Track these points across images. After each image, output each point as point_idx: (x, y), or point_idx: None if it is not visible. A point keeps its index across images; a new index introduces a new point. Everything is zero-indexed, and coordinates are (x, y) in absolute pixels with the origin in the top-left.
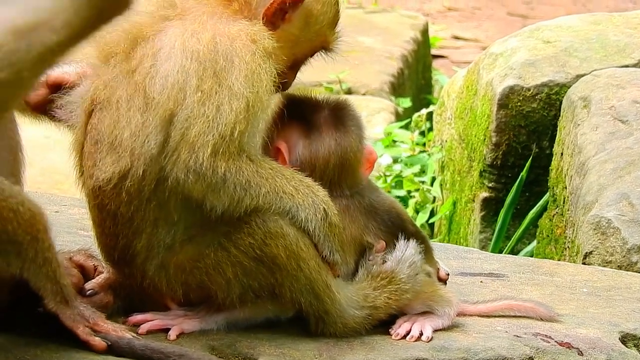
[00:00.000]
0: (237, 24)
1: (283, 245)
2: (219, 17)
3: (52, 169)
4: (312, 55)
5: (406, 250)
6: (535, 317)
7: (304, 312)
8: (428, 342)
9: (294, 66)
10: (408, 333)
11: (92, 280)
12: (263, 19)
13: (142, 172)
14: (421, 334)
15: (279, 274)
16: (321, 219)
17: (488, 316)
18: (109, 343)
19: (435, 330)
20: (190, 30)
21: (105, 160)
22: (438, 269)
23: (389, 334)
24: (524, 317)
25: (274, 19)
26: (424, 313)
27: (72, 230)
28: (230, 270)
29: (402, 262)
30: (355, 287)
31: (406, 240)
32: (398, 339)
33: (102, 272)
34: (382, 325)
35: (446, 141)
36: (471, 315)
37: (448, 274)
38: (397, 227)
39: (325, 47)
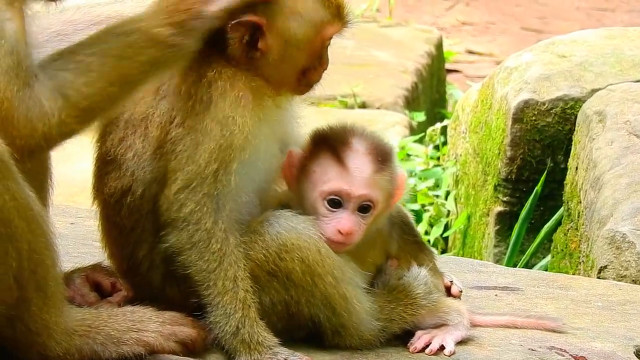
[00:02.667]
0: (219, 67)
1: (299, 258)
2: (207, 57)
3: (67, 181)
4: (323, 51)
5: (421, 271)
6: (542, 330)
7: (321, 326)
8: (450, 356)
9: (309, 69)
10: (426, 346)
11: (109, 298)
12: (237, 60)
13: (140, 192)
14: (442, 348)
15: (294, 290)
16: (231, 333)
17: (499, 327)
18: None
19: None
20: (184, 68)
21: (110, 175)
22: (443, 279)
23: (404, 346)
24: (540, 330)
25: (247, 56)
26: (438, 326)
27: (88, 242)
28: None
29: (418, 279)
30: (371, 299)
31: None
32: (416, 352)
33: (120, 290)
34: (397, 339)
35: (460, 155)
36: (477, 326)
37: (461, 291)
38: (409, 229)
39: (332, 36)
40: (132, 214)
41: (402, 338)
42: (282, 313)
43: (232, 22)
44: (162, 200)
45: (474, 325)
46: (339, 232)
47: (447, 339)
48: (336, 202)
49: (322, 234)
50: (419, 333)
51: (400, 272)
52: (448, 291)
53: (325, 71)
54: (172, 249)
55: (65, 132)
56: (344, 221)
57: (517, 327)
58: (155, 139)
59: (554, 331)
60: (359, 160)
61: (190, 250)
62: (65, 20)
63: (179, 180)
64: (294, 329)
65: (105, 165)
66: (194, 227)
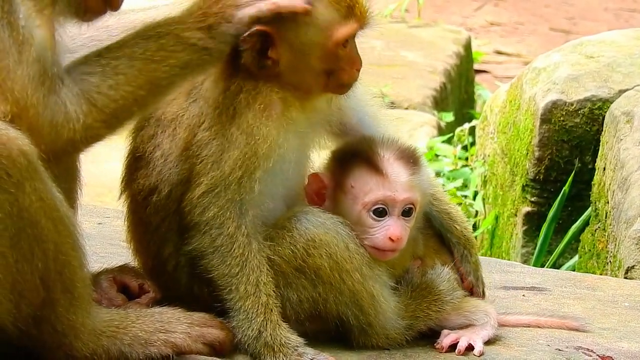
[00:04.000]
0: (243, 79)
1: (327, 254)
2: (234, 69)
3: (95, 181)
4: (343, 52)
5: (444, 269)
6: (565, 329)
7: (346, 324)
8: (479, 356)
9: (333, 72)
10: (454, 345)
11: (137, 300)
12: (249, 69)
13: (167, 192)
14: (470, 348)
15: (322, 287)
16: (254, 337)
17: (523, 327)
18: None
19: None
20: (215, 76)
21: (139, 171)
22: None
23: (431, 346)
24: (563, 329)
25: (259, 65)
26: (465, 327)
27: (115, 242)
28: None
29: (441, 276)
30: (397, 297)
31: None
32: (443, 352)
33: (148, 291)
34: (423, 338)
35: (489, 155)
36: (502, 326)
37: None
38: (428, 223)
39: (348, 37)
40: (158, 212)
41: (429, 338)
42: (310, 311)
43: (243, 36)
44: (186, 202)
45: (499, 324)
46: (390, 239)
47: (475, 338)
48: (381, 211)
49: (371, 246)
50: (445, 332)
51: (423, 271)
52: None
53: (359, 70)
54: (195, 252)
55: (91, 137)
56: (393, 228)
57: (540, 327)
58: (183, 140)
59: (577, 330)
60: (394, 166)
61: (212, 254)
62: (100, 25)
63: (203, 185)
64: (321, 329)
65: (135, 161)
66: (216, 232)
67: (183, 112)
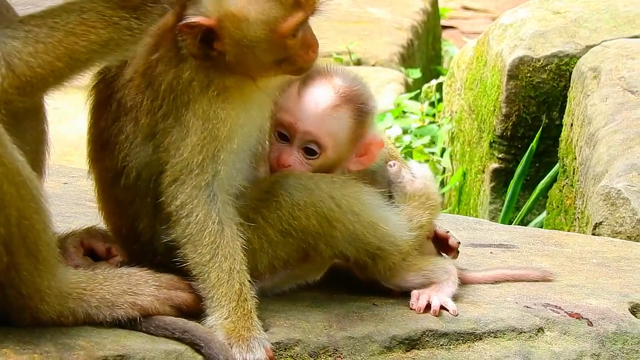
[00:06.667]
0: (195, 66)
1: (313, 213)
2: (185, 54)
3: (60, 140)
4: (291, 42)
5: (423, 168)
6: (530, 280)
7: (352, 260)
8: (456, 315)
9: (285, 59)
10: (428, 306)
11: (103, 263)
12: (197, 58)
13: (135, 175)
14: (442, 308)
15: (312, 238)
16: (223, 318)
17: (491, 283)
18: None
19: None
20: (165, 60)
21: (104, 153)
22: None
23: (398, 305)
24: (530, 284)
25: (205, 54)
26: (426, 286)
27: (81, 202)
28: (256, 242)
29: (428, 179)
30: (398, 210)
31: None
32: (421, 313)
33: (116, 255)
34: (389, 295)
35: (456, 112)
36: (469, 283)
37: (459, 243)
38: None
39: (297, 26)
40: (129, 191)
41: (397, 296)
42: (300, 259)
43: (180, 24)
44: (159, 192)
45: (466, 282)
46: (278, 163)
47: (444, 298)
48: (284, 136)
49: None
50: (415, 292)
51: (408, 173)
52: (445, 243)
53: (315, 52)
54: (173, 243)
55: (4, 102)
56: (284, 156)
57: (507, 280)
58: (146, 125)
59: (542, 280)
60: (317, 98)
61: (185, 243)
62: None
63: (168, 174)
64: (312, 270)
65: (101, 142)
66: (185, 220)
67: (141, 97)
